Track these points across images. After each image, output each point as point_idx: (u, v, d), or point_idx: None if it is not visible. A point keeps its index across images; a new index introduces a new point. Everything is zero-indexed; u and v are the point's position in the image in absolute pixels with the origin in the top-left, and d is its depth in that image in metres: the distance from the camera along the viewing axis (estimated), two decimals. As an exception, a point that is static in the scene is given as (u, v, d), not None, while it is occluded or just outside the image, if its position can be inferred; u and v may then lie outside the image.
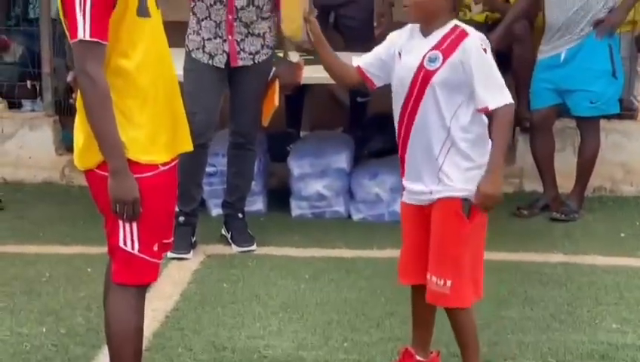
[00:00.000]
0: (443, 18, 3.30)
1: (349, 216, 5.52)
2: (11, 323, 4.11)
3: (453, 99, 3.27)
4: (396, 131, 3.42)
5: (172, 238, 3.24)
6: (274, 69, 4.92)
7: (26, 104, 6.49)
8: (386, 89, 5.65)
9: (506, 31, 5.59)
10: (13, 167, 6.19)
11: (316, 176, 5.48)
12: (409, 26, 3.40)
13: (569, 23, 5.38)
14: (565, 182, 5.65)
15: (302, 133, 6.28)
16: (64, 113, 6.37)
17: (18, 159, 6.21)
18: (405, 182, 3.45)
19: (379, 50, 3.47)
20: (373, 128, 6.01)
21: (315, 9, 3.49)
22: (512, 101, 3.27)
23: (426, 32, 3.32)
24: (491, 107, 3.24)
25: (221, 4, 4.77)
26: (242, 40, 4.83)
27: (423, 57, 3.28)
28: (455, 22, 3.32)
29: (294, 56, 4.91)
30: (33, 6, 6.53)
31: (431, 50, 3.28)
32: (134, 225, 3.03)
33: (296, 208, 5.54)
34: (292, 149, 5.71)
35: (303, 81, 5.06)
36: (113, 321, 3.13)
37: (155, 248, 3.10)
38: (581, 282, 4.60)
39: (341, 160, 5.52)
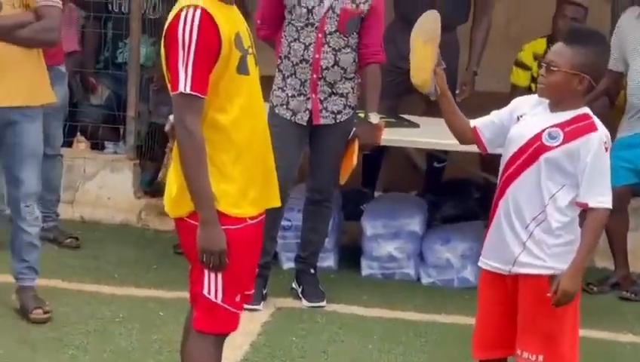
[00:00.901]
0: (575, 101, 3.32)
1: (419, 280, 5.54)
2: None
3: (557, 181, 3.28)
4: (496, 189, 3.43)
5: (253, 290, 3.32)
6: (354, 128, 5.00)
7: (109, 146, 6.65)
8: (463, 156, 5.72)
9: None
10: (92, 206, 6.31)
11: (388, 238, 5.53)
12: (536, 95, 3.41)
13: (651, 104, 5.40)
14: (637, 262, 5.63)
15: (376, 194, 6.35)
16: (144, 157, 6.53)
17: (97, 199, 6.33)
18: (487, 245, 3.43)
19: (499, 113, 3.47)
20: (447, 194, 6.07)
21: (442, 62, 3.52)
22: (610, 207, 3.29)
23: (554, 108, 3.33)
24: (590, 205, 3.27)
25: (307, 63, 4.88)
26: (325, 99, 4.93)
27: (544, 130, 3.29)
28: (587, 110, 3.34)
29: (375, 118, 4.98)
30: (122, 51, 6.70)
31: (554, 126, 3.29)
32: (219, 275, 3.11)
33: (367, 267, 5.58)
34: (366, 209, 5.77)
35: (381, 143, 5.14)
36: (190, 367, 3.21)
37: (237, 299, 3.18)
38: (650, 363, 4.58)
39: (414, 223, 5.56)
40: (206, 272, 3.11)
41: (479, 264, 3.49)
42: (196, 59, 3.02)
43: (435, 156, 6.24)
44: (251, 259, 3.23)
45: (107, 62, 6.68)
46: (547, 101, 3.36)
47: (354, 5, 4.86)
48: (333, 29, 4.85)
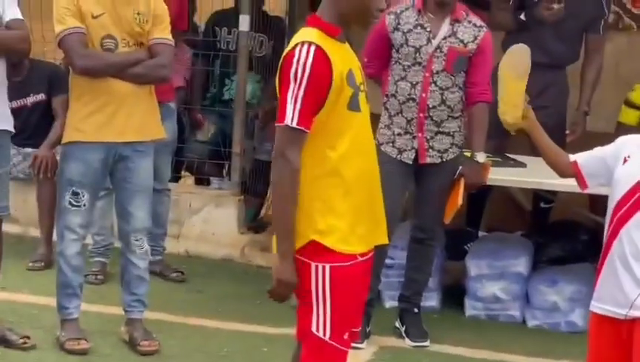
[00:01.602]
0: None
1: (524, 322, 5.44)
2: (190, 395, 4.25)
3: None
4: (605, 232, 3.34)
5: (360, 327, 3.30)
6: (460, 168, 4.96)
7: (214, 181, 6.73)
8: (570, 197, 5.63)
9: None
10: (196, 241, 6.38)
11: (493, 278, 5.45)
12: None
13: None
14: None
15: (480, 233, 6.28)
16: (248, 193, 6.58)
17: (202, 234, 6.40)
18: (599, 288, 3.33)
19: (603, 150, 3.40)
20: (554, 235, 5.97)
21: (527, 95, 3.48)
22: None
23: None
24: None
25: (414, 102, 4.87)
26: (432, 138, 4.91)
27: None
28: None
29: (481, 157, 4.93)
30: (228, 88, 6.79)
31: None
32: (328, 312, 3.09)
33: (471, 308, 5.51)
34: (470, 249, 5.71)
35: (487, 182, 5.08)
36: (297, 404, 3.19)
37: (345, 336, 3.15)
38: None
39: (519, 264, 5.47)
40: (314, 309, 3.10)
41: (591, 308, 3.38)
42: (306, 93, 3.03)
43: (542, 196, 6.15)
44: (360, 296, 3.21)
45: (214, 99, 6.78)
46: None
47: (462, 44, 4.84)
48: (440, 68, 4.84)
